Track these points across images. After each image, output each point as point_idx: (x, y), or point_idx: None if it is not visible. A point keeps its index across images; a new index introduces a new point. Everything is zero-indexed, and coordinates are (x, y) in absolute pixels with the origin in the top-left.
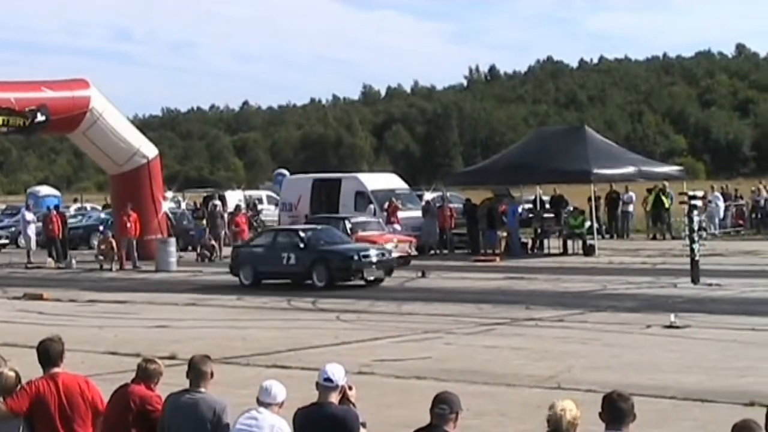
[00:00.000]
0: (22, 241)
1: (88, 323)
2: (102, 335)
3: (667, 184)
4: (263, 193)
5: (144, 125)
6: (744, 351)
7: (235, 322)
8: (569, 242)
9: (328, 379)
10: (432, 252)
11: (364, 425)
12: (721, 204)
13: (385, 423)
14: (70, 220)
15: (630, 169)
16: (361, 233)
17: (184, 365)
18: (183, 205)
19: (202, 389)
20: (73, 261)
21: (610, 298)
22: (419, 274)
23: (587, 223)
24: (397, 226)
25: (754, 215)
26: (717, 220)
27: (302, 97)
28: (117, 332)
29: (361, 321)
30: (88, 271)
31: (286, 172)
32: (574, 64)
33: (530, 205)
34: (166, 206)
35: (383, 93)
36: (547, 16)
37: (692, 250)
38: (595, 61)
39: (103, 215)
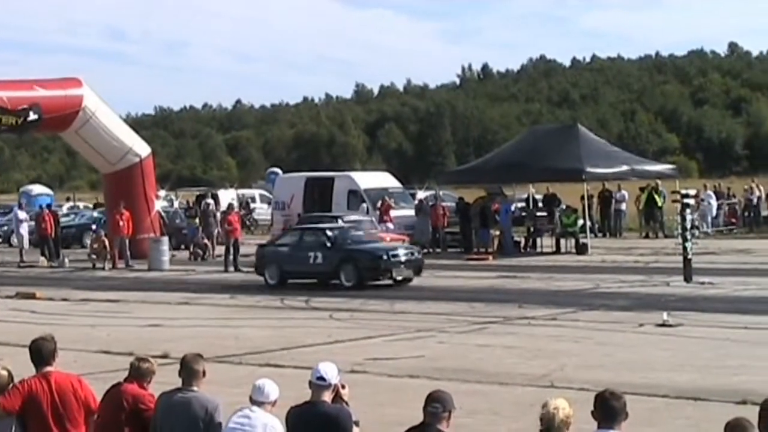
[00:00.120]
0: (14, 239)
1: (81, 322)
2: (95, 334)
3: (659, 182)
4: (256, 192)
5: (137, 124)
6: (737, 349)
7: (228, 321)
8: (562, 241)
9: (321, 378)
10: (425, 251)
11: (357, 424)
12: (714, 202)
13: (378, 422)
14: (62, 219)
15: (623, 168)
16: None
17: (176, 364)
18: (176, 204)
19: (195, 388)
20: (66, 260)
21: (603, 297)
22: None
23: (580, 222)
24: (390, 225)
25: (746, 214)
26: (710, 219)
27: (295, 95)
28: (110, 331)
29: (354, 320)
30: (81, 269)
31: (278, 170)
32: (567, 62)
33: (523, 204)
34: (159, 205)
35: (376, 92)
36: (540, 14)
37: (685, 248)
38: (588, 59)
39: (95, 214)
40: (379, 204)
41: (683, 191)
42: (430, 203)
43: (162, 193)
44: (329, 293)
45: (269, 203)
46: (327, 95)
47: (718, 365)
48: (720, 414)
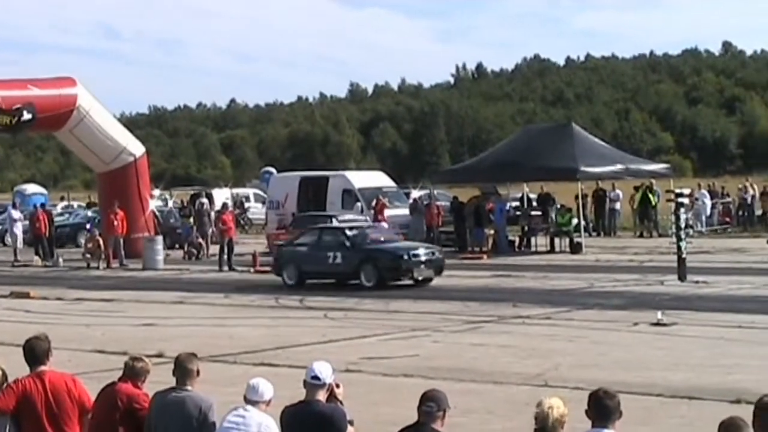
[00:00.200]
0: (8, 239)
1: (75, 321)
2: (89, 333)
3: (654, 181)
4: (250, 191)
5: (131, 123)
6: (731, 348)
7: (223, 320)
8: (556, 240)
9: (316, 377)
10: None
11: (351, 423)
12: (708, 202)
13: (372, 421)
14: (57, 219)
15: (617, 167)
16: None
17: (171, 363)
18: (170, 203)
19: (189, 387)
20: (60, 259)
21: (597, 296)
22: None
23: (574, 221)
24: (385, 224)
25: (740, 213)
26: (704, 218)
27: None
28: (104, 330)
29: (349, 319)
30: (75, 269)
31: (273, 170)
32: (561, 62)
33: (517, 203)
34: (153, 204)
35: (370, 91)
36: (534, 14)
37: (679, 247)
38: (582, 59)
39: (89, 213)
40: (373, 203)
41: (677, 190)
42: (425, 202)
43: (156, 192)
44: (323, 293)
45: (264, 202)
46: (321, 94)
47: (713, 364)
48: (714, 413)
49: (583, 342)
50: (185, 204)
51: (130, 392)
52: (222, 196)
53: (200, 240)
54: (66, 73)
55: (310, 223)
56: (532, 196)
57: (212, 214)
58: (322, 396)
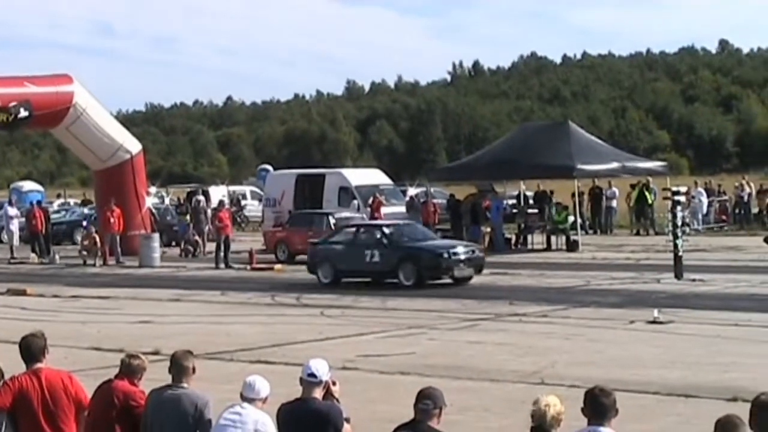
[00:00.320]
0: (4, 236)
1: (72, 319)
2: (85, 331)
3: (650, 179)
4: (247, 189)
5: (127, 120)
6: (727, 346)
7: (219, 318)
8: (553, 238)
9: (312, 375)
10: None
11: (347, 421)
12: (705, 200)
13: (369, 418)
14: (53, 216)
15: (613, 165)
16: None
17: (167, 361)
18: (167, 201)
19: (185, 384)
20: (57, 256)
21: (594, 294)
22: None
23: (571, 219)
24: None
25: (737, 211)
26: (700, 216)
27: (286, 92)
28: (100, 328)
29: (345, 316)
30: (72, 266)
31: (269, 167)
32: (558, 59)
33: (514, 201)
34: (150, 202)
35: (367, 88)
36: (531, 11)
37: (675, 245)
38: (579, 56)
39: (86, 210)
40: (370, 201)
41: (674, 188)
42: (421, 200)
43: (153, 189)
44: (321, 290)
45: (260, 200)
46: (318, 92)
47: (709, 362)
48: (711, 411)
49: (579, 340)
50: (182, 201)
51: (127, 389)
52: (218, 193)
53: (197, 237)
54: (62, 70)
55: (306, 220)
56: (529, 193)
57: (209, 211)
58: (318, 393)
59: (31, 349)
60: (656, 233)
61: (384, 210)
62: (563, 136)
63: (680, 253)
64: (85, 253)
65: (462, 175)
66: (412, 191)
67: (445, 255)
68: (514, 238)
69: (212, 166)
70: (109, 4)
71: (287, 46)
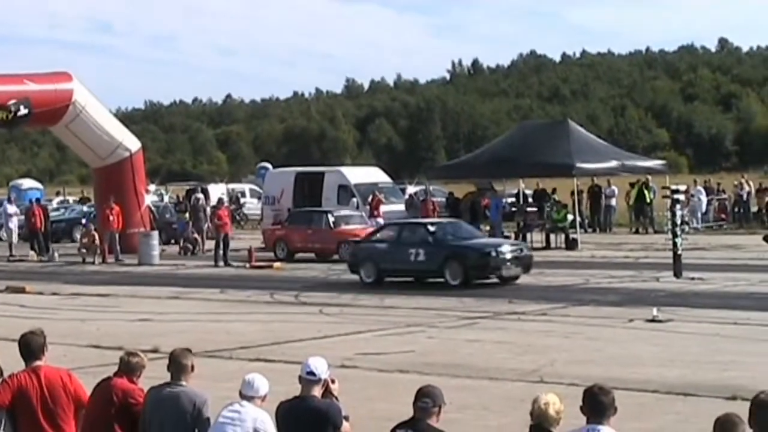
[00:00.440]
0: (4, 234)
1: (71, 316)
2: (84, 328)
3: (649, 178)
4: (246, 187)
5: (127, 118)
6: (726, 345)
7: (218, 316)
8: (552, 236)
9: (311, 373)
10: None
11: (346, 419)
12: (704, 198)
13: (368, 416)
14: (52, 214)
15: (613, 163)
16: (344, 227)
17: (166, 359)
18: (166, 199)
19: (183, 382)
20: (56, 254)
21: (593, 292)
22: None
23: (570, 217)
24: (381, 220)
25: (736, 209)
26: (699, 215)
27: (285, 90)
28: (99, 325)
29: (344, 315)
30: (71, 264)
31: (269, 165)
32: (557, 58)
33: (513, 199)
34: (149, 199)
35: (366, 87)
36: (530, 9)
37: (675, 244)
38: (578, 55)
39: (85, 208)
40: (369, 199)
41: (673, 187)
42: (421, 198)
43: (152, 187)
44: (321, 288)
45: (259, 198)
46: (317, 90)
47: (708, 361)
48: (710, 409)
49: (578, 338)
50: (181, 199)
51: (126, 387)
52: (218, 191)
53: (196, 235)
54: (62, 68)
55: (305, 218)
56: (528, 192)
57: (208, 209)
58: (317, 391)
59: (31, 346)
60: (655, 232)
61: (383, 208)
62: (562, 134)
63: (679, 252)
64: (84, 250)
65: (461, 174)
66: (411, 189)
67: (493, 254)
68: (513, 236)
69: (211, 164)
70: (108, 2)
71: (286, 44)
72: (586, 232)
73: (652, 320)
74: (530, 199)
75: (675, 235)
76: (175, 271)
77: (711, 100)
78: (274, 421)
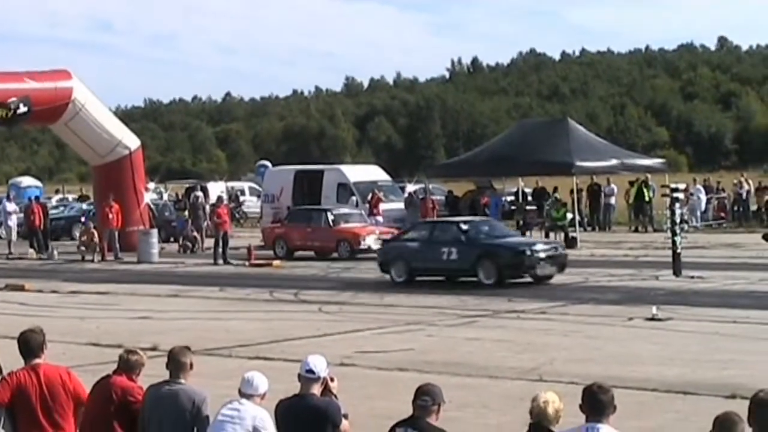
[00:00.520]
0: (3, 232)
1: (70, 314)
2: (84, 326)
3: (649, 176)
4: (245, 185)
5: (126, 116)
6: (726, 343)
7: (218, 314)
8: (551, 234)
9: (310, 371)
10: None
11: (346, 417)
12: (703, 197)
13: (367, 415)
14: (51, 211)
15: (612, 162)
16: (343, 225)
17: (166, 356)
18: (165, 197)
19: (182, 380)
20: (55, 252)
21: (592, 291)
22: None
23: (569, 216)
24: (380, 218)
25: (735, 208)
26: (699, 213)
27: (285, 88)
28: (99, 323)
29: (343, 313)
30: (70, 262)
31: (268, 163)
32: (557, 56)
33: (512, 198)
34: (148, 197)
35: (366, 85)
36: (530, 8)
37: (674, 242)
38: (578, 53)
39: (84, 206)
40: (368, 197)
41: (672, 185)
42: (420, 196)
43: (151, 185)
44: (320, 286)
45: (259, 196)
46: (317, 88)
47: (708, 359)
48: (709, 408)
49: (577, 336)
50: (180, 197)
51: (125, 385)
52: (217, 189)
53: (195, 233)
54: (61, 66)
55: (305, 216)
56: (528, 190)
57: (207, 207)
58: (316, 390)
59: (30, 344)
60: (655, 230)
61: (382, 206)
62: (562, 132)
63: (679, 250)
64: (83, 248)
65: (460, 172)
66: (410, 188)
67: (527, 252)
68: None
69: (211, 162)
70: (108, 1)
71: (286, 42)
72: (585, 230)
73: (652, 319)
74: (529, 198)
75: (674, 234)
76: (175, 269)
77: (710, 99)
78: (273, 419)
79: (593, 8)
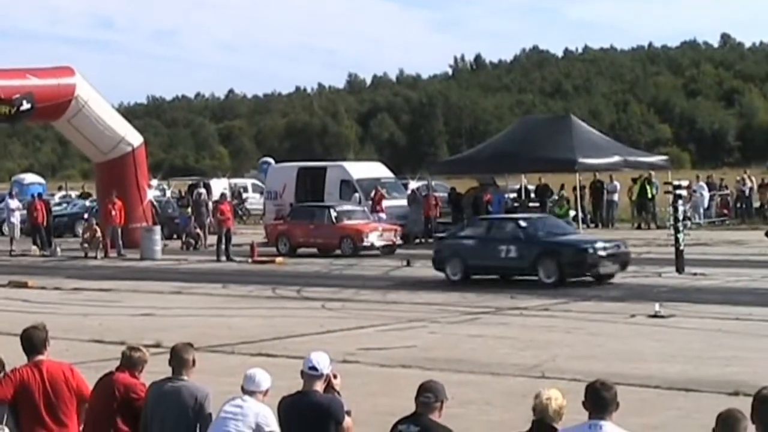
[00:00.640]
0: (6, 228)
1: (73, 311)
2: (87, 323)
3: (652, 173)
4: (248, 182)
5: (129, 113)
6: (728, 340)
7: (221, 311)
8: None
9: (313, 368)
10: (417, 241)
11: (348, 414)
12: (706, 194)
13: (370, 411)
14: (54, 208)
15: (615, 159)
16: (346, 222)
17: (168, 353)
18: (168, 194)
19: (185, 377)
20: (58, 249)
21: (595, 288)
22: (404, 263)
23: (572, 213)
24: (383, 215)
25: (738, 205)
26: (702, 210)
27: (287, 85)
28: (102, 320)
29: (346, 309)
30: (73, 258)
31: (271, 160)
32: (560, 53)
33: (515, 194)
34: (151, 194)
35: (369, 82)
36: (532, 4)
37: (677, 239)
38: (581, 50)
39: (87, 203)
40: (371, 194)
41: (675, 182)
42: (423, 193)
43: (154, 182)
44: (321, 283)
45: (261, 193)
46: (320, 85)
47: (710, 356)
48: (712, 405)
49: (580, 333)
50: (183, 194)
51: (128, 382)
52: (220, 186)
53: (198, 230)
54: (64, 63)
55: (307, 213)
56: (530, 187)
57: (210, 204)
58: (319, 386)
59: (33, 341)
60: (658, 227)
61: (385, 203)
62: (565, 129)
63: (681, 247)
64: (86, 245)
65: (463, 169)
66: (413, 185)
67: (590, 250)
68: None
69: (214, 159)
70: None
71: (289, 39)
72: (588, 227)
73: (654, 316)
74: (532, 195)
75: (677, 231)
76: (178, 266)
77: (713, 96)
78: (276, 416)
79: (596, 5)
